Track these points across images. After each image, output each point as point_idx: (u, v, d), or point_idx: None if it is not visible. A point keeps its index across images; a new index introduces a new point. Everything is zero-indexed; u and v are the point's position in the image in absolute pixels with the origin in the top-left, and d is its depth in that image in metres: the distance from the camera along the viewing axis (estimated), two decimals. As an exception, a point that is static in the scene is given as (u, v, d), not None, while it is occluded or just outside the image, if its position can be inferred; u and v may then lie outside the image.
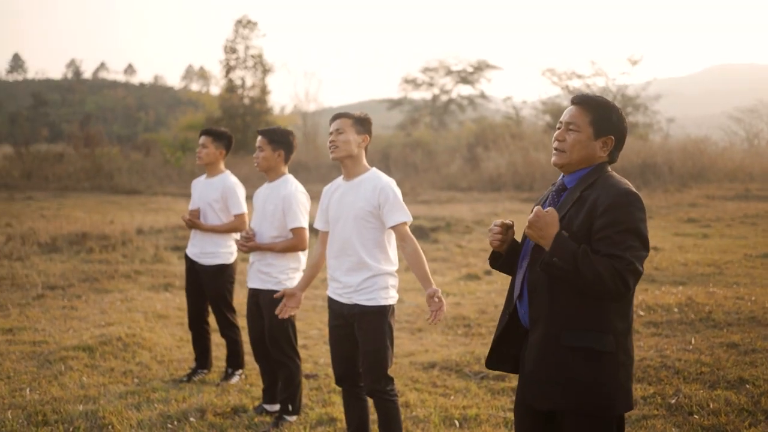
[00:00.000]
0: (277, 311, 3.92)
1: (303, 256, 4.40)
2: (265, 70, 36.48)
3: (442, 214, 20.43)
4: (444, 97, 57.27)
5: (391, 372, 5.22)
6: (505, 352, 2.83)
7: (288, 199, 4.28)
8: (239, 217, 5.09)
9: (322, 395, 4.83)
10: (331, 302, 3.72)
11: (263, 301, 4.32)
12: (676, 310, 6.82)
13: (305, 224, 4.29)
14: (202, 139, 5.20)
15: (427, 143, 34.93)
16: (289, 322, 4.31)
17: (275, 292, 4.23)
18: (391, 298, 3.59)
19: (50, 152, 31.83)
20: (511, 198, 25.55)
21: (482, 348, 5.81)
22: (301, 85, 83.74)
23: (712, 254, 11.60)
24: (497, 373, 5.18)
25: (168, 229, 14.61)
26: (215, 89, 43.20)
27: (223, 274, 5.12)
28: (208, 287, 5.14)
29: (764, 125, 56.31)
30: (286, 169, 4.44)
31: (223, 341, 5.37)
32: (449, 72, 56.92)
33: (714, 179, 29.81)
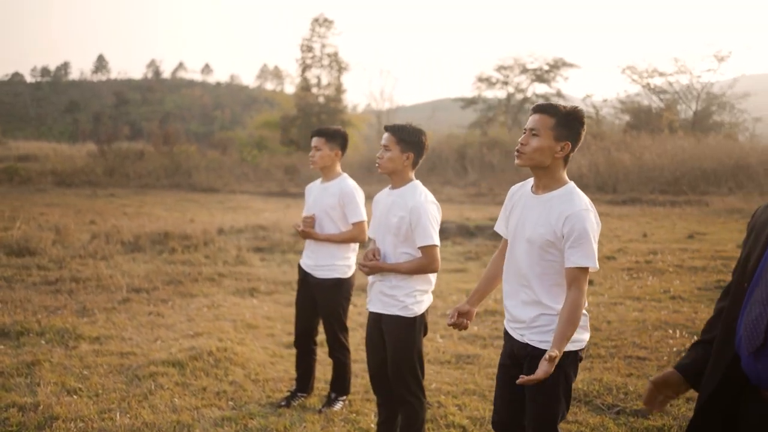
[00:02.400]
0: (450, 322, 3.25)
1: (433, 278, 3.81)
2: (341, 69, 36.33)
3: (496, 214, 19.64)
4: (519, 96, 56.12)
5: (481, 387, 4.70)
6: (713, 420, 2.21)
7: (417, 211, 3.65)
8: (358, 225, 4.60)
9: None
10: (505, 335, 3.14)
11: (387, 328, 3.75)
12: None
13: (437, 241, 3.69)
14: (315, 141, 4.72)
15: (504, 142, 33.96)
16: (417, 353, 3.73)
17: (400, 318, 3.68)
18: (572, 343, 2.86)
19: (131, 150, 32.42)
20: (596, 200, 24.46)
21: (610, 375, 5.18)
22: (376, 84, 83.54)
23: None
24: (634, 406, 4.55)
25: (248, 228, 14.38)
26: (290, 88, 43.35)
27: (340, 289, 4.64)
28: (321, 303, 4.66)
29: None
30: (413, 174, 3.86)
31: (328, 361, 4.89)
32: (524, 70, 55.64)
33: (813, 182, 28.03)
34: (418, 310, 3.71)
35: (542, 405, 2.91)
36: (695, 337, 6.26)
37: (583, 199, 2.89)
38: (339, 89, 36.36)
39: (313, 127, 35.56)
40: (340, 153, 4.71)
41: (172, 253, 10.98)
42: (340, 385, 4.69)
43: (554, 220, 2.85)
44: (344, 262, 4.66)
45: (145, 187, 27.08)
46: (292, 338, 6.25)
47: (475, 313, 3.33)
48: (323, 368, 5.20)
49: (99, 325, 6.53)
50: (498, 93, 57.28)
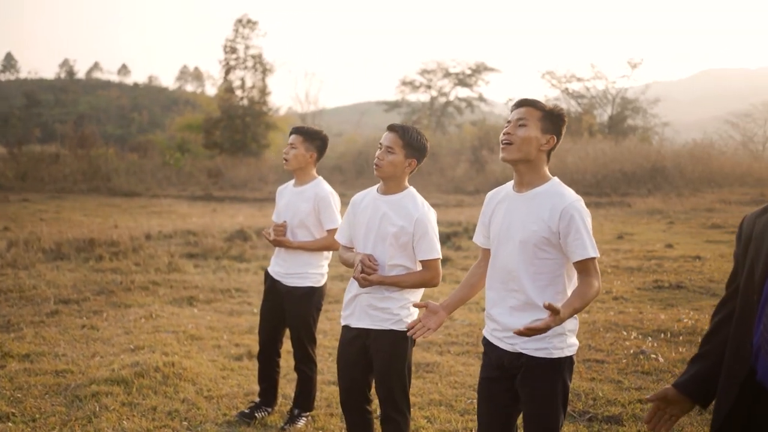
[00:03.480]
0: (408, 326, 3.04)
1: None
2: (265, 70, 35.75)
3: (457, 218, 19.74)
4: (442, 100, 56.71)
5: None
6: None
7: (423, 223, 3.36)
8: (333, 232, 4.34)
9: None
10: (487, 346, 2.95)
11: (377, 344, 3.43)
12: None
13: (440, 254, 3.43)
14: (292, 138, 4.42)
15: (431, 146, 34.19)
16: (408, 368, 3.46)
17: (394, 332, 3.38)
18: (567, 347, 2.78)
19: (45, 153, 30.95)
20: (522, 202, 24.86)
21: (574, 380, 5.09)
22: (301, 86, 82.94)
23: (760, 264, 10.97)
24: (606, 413, 4.47)
25: (178, 234, 13.86)
26: (211, 90, 42.36)
27: (311, 299, 4.36)
28: (291, 313, 4.37)
29: (759, 129, 56.41)
30: (407, 181, 3.57)
31: (291, 376, 4.61)
32: (447, 74, 56.35)
33: (724, 183, 29.29)
34: (411, 321, 3.46)
35: (543, 417, 2.75)
36: (649, 338, 6.29)
37: (572, 191, 2.81)
38: (263, 91, 35.78)
39: (237, 130, 34.95)
40: (316, 156, 4.44)
41: (99, 260, 10.42)
42: (304, 400, 4.42)
43: (547, 216, 2.73)
44: (318, 270, 4.41)
45: (61, 192, 25.88)
46: (240, 350, 5.97)
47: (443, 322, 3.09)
48: (283, 382, 4.92)
49: (28, 341, 6.04)
50: (421, 96, 57.80)
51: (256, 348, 5.87)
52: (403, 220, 3.37)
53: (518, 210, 2.81)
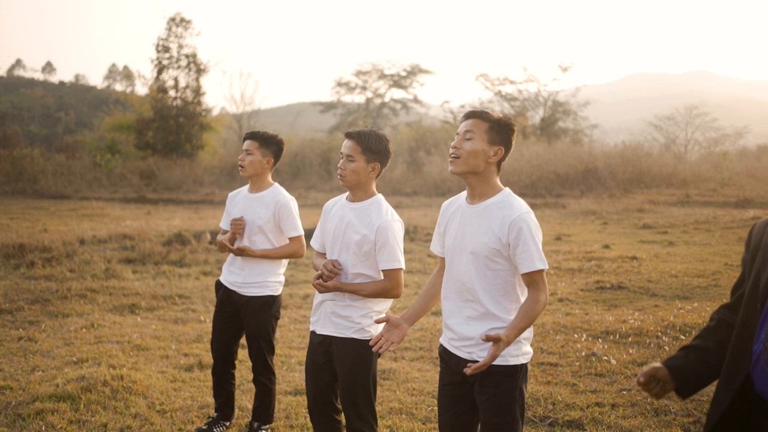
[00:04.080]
0: (372, 342, 3.01)
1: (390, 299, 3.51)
2: (199, 70, 35.07)
3: (397, 220, 19.74)
4: (377, 101, 56.82)
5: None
6: None
7: (384, 231, 3.30)
8: (297, 240, 4.22)
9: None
10: (444, 354, 2.94)
11: (340, 352, 3.38)
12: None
13: (403, 264, 3.37)
14: (247, 144, 4.28)
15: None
16: (372, 379, 3.40)
17: (355, 341, 3.34)
18: (523, 355, 2.80)
19: (-35, 154, 29.64)
20: (460, 204, 25.07)
21: (530, 384, 5.11)
22: (236, 86, 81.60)
23: (692, 264, 11.32)
24: (566, 417, 4.49)
25: (113, 238, 13.43)
26: (142, 89, 41.25)
27: (270, 308, 4.23)
28: (250, 323, 4.22)
29: (681, 132, 58.67)
30: (375, 187, 3.49)
31: (247, 386, 4.47)
32: (382, 75, 56.52)
33: (652, 185, 30.24)
34: (375, 331, 3.38)
35: (502, 425, 2.75)
36: (599, 340, 6.37)
37: (522, 203, 2.83)
38: (198, 91, 35.10)
39: (170, 131, 34.18)
40: (272, 161, 4.32)
41: (31, 267, 10.00)
42: (264, 413, 4.29)
43: (497, 228, 2.76)
44: (276, 279, 4.29)
45: (-17, 195, 24.82)
46: (190, 360, 5.78)
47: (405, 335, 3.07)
48: (238, 393, 4.78)
49: (-40, 355, 5.72)
50: (357, 98, 57.82)
51: (206, 358, 5.74)
52: (366, 228, 3.34)
53: (470, 222, 2.84)
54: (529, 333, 2.83)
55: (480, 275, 2.78)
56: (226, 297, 4.30)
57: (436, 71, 70.09)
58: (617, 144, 37.13)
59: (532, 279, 2.73)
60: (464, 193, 2.97)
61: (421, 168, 32.51)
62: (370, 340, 3.32)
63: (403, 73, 57.05)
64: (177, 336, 6.60)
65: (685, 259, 11.90)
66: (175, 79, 34.90)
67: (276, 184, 4.34)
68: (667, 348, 5.95)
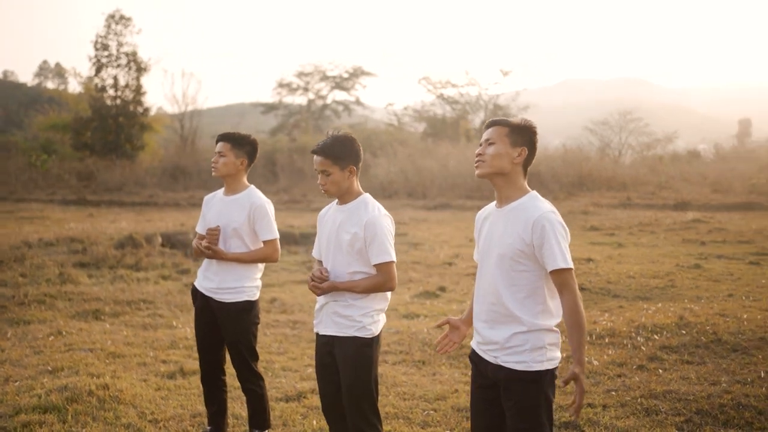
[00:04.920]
0: (436, 343, 3.11)
1: (389, 295, 3.54)
2: (140, 69, 34.28)
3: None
4: (319, 103, 56.63)
5: (442, 419, 4.50)
6: None
7: (372, 226, 3.37)
8: (271, 243, 4.14)
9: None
10: (474, 357, 2.95)
11: (342, 351, 3.40)
12: (684, 332, 6.49)
13: (394, 257, 3.42)
14: (220, 146, 4.19)
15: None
16: (374, 378, 3.43)
17: (357, 339, 3.38)
18: (548, 361, 2.81)
19: None
20: (409, 206, 25.22)
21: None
22: (178, 86, 79.99)
23: (645, 265, 11.62)
24: (564, 419, 4.54)
25: (60, 241, 13.00)
26: (77, 87, 39.94)
27: (249, 313, 4.13)
28: (229, 330, 4.11)
29: (615, 136, 60.43)
30: (359, 186, 3.56)
31: (236, 393, 4.36)
32: (325, 77, 56.37)
33: (593, 187, 30.94)
34: (375, 330, 3.45)
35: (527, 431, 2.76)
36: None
37: (547, 203, 2.86)
38: (138, 91, 34.31)
39: (109, 131, 33.38)
40: (246, 162, 4.24)
41: (-20, 272, 9.58)
42: (260, 419, 4.20)
43: (521, 229, 2.78)
44: (253, 283, 4.20)
45: None
46: (170, 367, 5.64)
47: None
48: (230, 401, 4.67)
49: (-76, 366, 5.43)
50: (298, 99, 57.47)
51: (187, 365, 5.61)
52: (356, 226, 3.41)
53: (497, 225, 2.88)
54: (554, 338, 2.84)
55: (506, 278, 2.80)
56: (204, 304, 4.19)
57: (378, 74, 70.15)
58: (555, 148, 37.92)
59: (562, 279, 2.74)
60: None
61: (367, 170, 32.49)
62: (371, 338, 3.40)
63: (346, 75, 57.02)
64: (150, 342, 6.42)
65: (637, 260, 12.22)
66: (115, 78, 34.05)
67: (252, 186, 4.27)
68: (643, 348, 6.09)
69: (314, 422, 4.50)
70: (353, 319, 3.39)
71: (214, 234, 4.09)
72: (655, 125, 59.23)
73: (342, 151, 3.44)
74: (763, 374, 5.24)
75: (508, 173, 2.85)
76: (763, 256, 12.34)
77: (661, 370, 5.53)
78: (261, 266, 4.25)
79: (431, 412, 4.70)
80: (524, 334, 2.76)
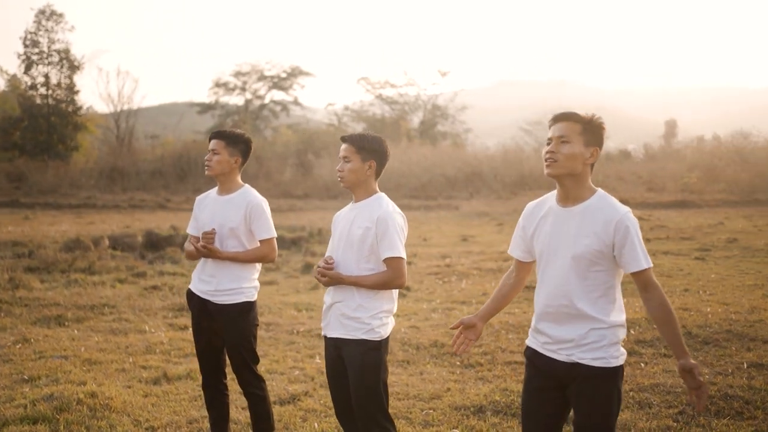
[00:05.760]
0: (455, 345, 3.05)
1: (395, 295, 3.51)
2: (73, 67, 33.26)
3: (299, 223, 19.60)
4: (257, 102, 56.06)
5: (443, 417, 4.49)
6: None
7: (384, 221, 3.34)
8: (268, 242, 4.02)
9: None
10: (535, 357, 2.91)
11: (350, 354, 3.35)
12: (654, 326, 6.64)
13: (404, 254, 3.38)
14: (213, 144, 4.06)
15: (254, 149, 33.52)
16: (383, 381, 3.37)
17: (366, 342, 3.32)
18: (621, 356, 2.81)
19: None
20: (354, 206, 25.15)
21: (516, 384, 5.19)
22: (113, 85, 77.71)
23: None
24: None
25: (3, 245, 12.48)
26: (1, 85, 38.39)
27: (248, 315, 4.02)
28: (229, 333, 3.99)
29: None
30: (377, 185, 3.52)
31: (233, 397, 4.24)
32: (262, 77, 55.82)
33: (535, 186, 31.55)
34: (384, 332, 3.39)
35: (596, 427, 2.76)
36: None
37: (619, 202, 2.82)
38: (71, 89, 33.28)
39: (41, 131, 32.30)
40: (240, 161, 4.12)
41: (-76, 278, 9.11)
42: (265, 424, 4.09)
43: (600, 229, 2.73)
44: (251, 284, 4.08)
45: None
46: (152, 373, 5.50)
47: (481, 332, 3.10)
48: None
49: None
50: (236, 99, 56.73)
51: (171, 370, 5.48)
52: (368, 221, 3.37)
53: (567, 225, 2.80)
54: (624, 334, 2.83)
55: (580, 278, 2.75)
56: (201, 307, 4.05)
57: (317, 73, 69.94)
58: (491, 147, 38.56)
59: (645, 279, 2.71)
60: (551, 196, 2.92)
61: (310, 171, 32.35)
62: (380, 341, 3.35)
63: (284, 75, 56.56)
64: (124, 348, 6.22)
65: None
66: (46, 76, 32.97)
67: (247, 185, 4.16)
68: (622, 342, 6.21)
69: (315, 425, 4.43)
70: (361, 321, 3.34)
71: (209, 237, 3.96)
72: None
73: (368, 144, 3.43)
74: (744, 365, 5.42)
75: (579, 173, 2.78)
76: (706, 251, 12.80)
77: (642, 364, 5.66)
78: (258, 266, 4.15)
79: (430, 411, 4.69)
80: (600, 330, 2.74)
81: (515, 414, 4.61)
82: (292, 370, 5.66)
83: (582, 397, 2.75)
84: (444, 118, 54.59)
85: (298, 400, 4.90)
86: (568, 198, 2.82)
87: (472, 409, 4.70)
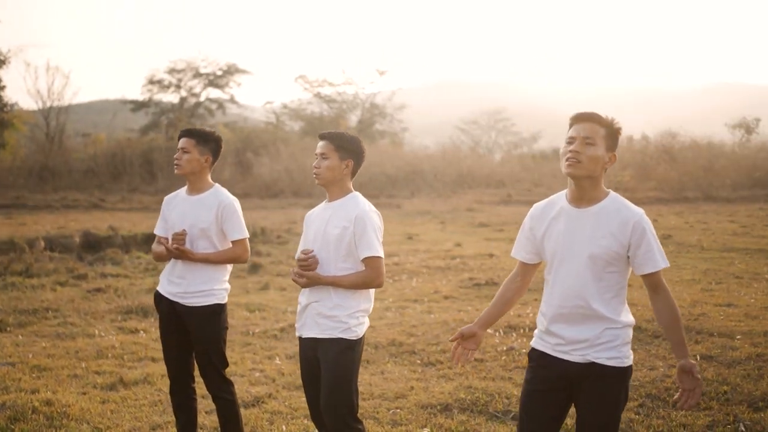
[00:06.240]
0: (454, 358, 3.02)
1: (372, 295, 3.48)
2: (-2, 61, 32.03)
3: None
4: (192, 100, 55.03)
5: (410, 416, 4.47)
6: None
7: (362, 220, 3.32)
8: (241, 243, 3.94)
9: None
10: (542, 359, 2.89)
11: (325, 353, 3.32)
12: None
13: (382, 253, 3.37)
14: (183, 142, 3.95)
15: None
16: (354, 382, 3.36)
17: (342, 341, 3.29)
18: (631, 356, 2.81)
19: None
20: (295, 204, 25.02)
21: (475, 381, 5.23)
22: (42, 81, 75.03)
23: (543, 259, 12.09)
24: (528, 410, 4.63)
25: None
26: None
27: (219, 317, 3.92)
28: (199, 336, 3.89)
29: (484, 135, 62.74)
30: (351, 185, 3.50)
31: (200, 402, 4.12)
32: (198, 74, 54.79)
33: (474, 185, 31.96)
34: (360, 332, 3.38)
35: (604, 426, 2.77)
36: (514, 334, 6.64)
37: (632, 204, 2.84)
38: (-4, 84, 32.06)
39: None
40: (211, 159, 4.03)
41: None
42: (234, 428, 3.99)
43: (616, 230, 2.74)
44: (222, 286, 3.99)
45: None
46: (106, 378, 5.36)
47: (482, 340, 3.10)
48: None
49: None
50: (170, 96, 55.54)
51: (126, 375, 5.35)
52: (345, 221, 3.36)
53: (582, 225, 2.79)
54: (631, 333, 2.84)
55: (596, 279, 2.75)
56: (170, 310, 3.94)
57: (254, 71, 69.17)
58: (431, 146, 38.91)
59: (656, 280, 2.75)
60: (559, 197, 2.90)
61: (249, 169, 31.96)
62: (356, 340, 3.34)
63: (219, 73, 55.67)
64: (74, 353, 6.01)
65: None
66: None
67: (217, 184, 4.07)
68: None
69: (283, 427, 4.37)
70: (339, 319, 3.31)
71: (180, 238, 3.86)
72: (521, 125, 61.93)
73: (347, 143, 3.43)
74: (698, 357, 5.59)
75: (597, 176, 2.79)
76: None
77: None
78: (229, 267, 4.06)
79: (397, 410, 4.68)
80: (614, 330, 2.75)
81: (482, 411, 4.64)
82: (252, 372, 5.57)
83: (592, 395, 2.76)
84: (382, 117, 54.74)
85: (263, 402, 4.82)
86: (582, 199, 2.81)
87: (438, 407, 4.71)
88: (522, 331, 6.74)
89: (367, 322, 3.45)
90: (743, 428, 4.28)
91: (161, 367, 5.54)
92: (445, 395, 4.91)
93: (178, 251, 3.83)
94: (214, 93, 56.24)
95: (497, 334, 6.67)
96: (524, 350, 6.04)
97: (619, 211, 2.76)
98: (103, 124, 50.61)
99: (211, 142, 4.02)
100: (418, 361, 5.90)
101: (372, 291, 3.46)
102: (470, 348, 3.02)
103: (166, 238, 3.97)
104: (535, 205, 3.01)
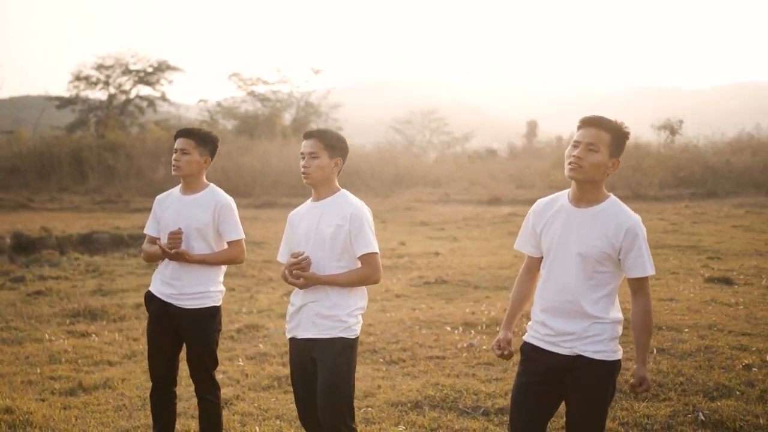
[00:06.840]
0: (499, 353, 3.05)
1: (366, 292, 3.48)
2: None
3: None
4: (121, 97, 53.65)
5: (382, 414, 4.48)
6: None
7: (358, 218, 3.33)
8: (237, 244, 3.90)
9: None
10: (533, 351, 2.97)
11: (324, 354, 3.28)
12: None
13: (378, 249, 3.38)
14: (182, 143, 3.87)
15: (123, 145, 32.00)
16: (352, 385, 3.35)
17: (343, 340, 3.28)
18: (619, 351, 2.92)
19: None
20: (241, 206, 24.62)
21: (439, 377, 5.27)
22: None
23: (488, 257, 12.26)
24: (497, 405, 4.71)
25: None
26: None
27: (214, 319, 3.87)
28: (193, 337, 3.82)
29: (418, 134, 63.27)
30: (337, 182, 3.49)
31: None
32: (127, 71, 53.44)
33: (411, 184, 32.14)
34: (358, 330, 3.40)
35: (592, 418, 2.86)
36: (472, 331, 6.73)
37: (631, 210, 2.95)
38: None
39: None
40: (209, 160, 3.99)
41: None
42: (215, 431, 3.95)
43: (611, 232, 2.84)
44: (217, 288, 3.94)
45: None
46: (64, 383, 5.23)
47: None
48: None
49: None
50: (98, 93, 53.98)
51: (84, 379, 5.21)
52: (339, 219, 3.35)
53: (578, 224, 2.89)
54: (621, 330, 2.93)
55: (587, 278, 2.84)
56: (162, 311, 3.87)
57: (186, 69, 67.86)
58: (367, 145, 39.03)
59: (641, 285, 2.86)
60: (562, 195, 2.99)
61: (184, 168, 31.35)
62: (355, 339, 3.35)
63: (150, 70, 54.44)
64: (24, 358, 5.80)
65: (479, 253, 12.88)
66: None
67: (212, 184, 4.03)
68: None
69: (256, 428, 4.33)
70: (338, 319, 3.30)
71: (176, 237, 3.79)
72: (453, 124, 62.69)
73: (336, 141, 3.42)
74: (654, 351, 5.78)
75: (598, 181, 2.88)
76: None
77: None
78: (224, 268, 4.02)
79: (367, 409, 4.69)
80: (602, 324, 2.84)
81: (452, 408, 4.69)
82: (216, 374, 5.48)
83: (579, 388, 2.85)
84: (317, 116, 54.62)
85: (231, 404, 4.76)
86: (582, 199, 2.92)
87: (408, 405, 4.74)
88: (480, 327, 6.83)
89: (361, 320, 3.44)
90: (703, 417, 4.46)
91: (120, 371, 5.41)
92: (413, 393, 4.94)
93: (174, 255, 3.76)
94: (144, 90, 54.95)
95: (456, 331, 6.74)
96: (485, 347, 6.13)
97: (615, 214, 2.87)
98: (25, 121, 48.82)
99: (210, 142, 3.99)
100: (381, 360, 5.92)
101: (365, 288, 3.46)
102: (509, 349, 3.07)
103: (158, 238, 3.90)
104: (538, 200, 3.12)
